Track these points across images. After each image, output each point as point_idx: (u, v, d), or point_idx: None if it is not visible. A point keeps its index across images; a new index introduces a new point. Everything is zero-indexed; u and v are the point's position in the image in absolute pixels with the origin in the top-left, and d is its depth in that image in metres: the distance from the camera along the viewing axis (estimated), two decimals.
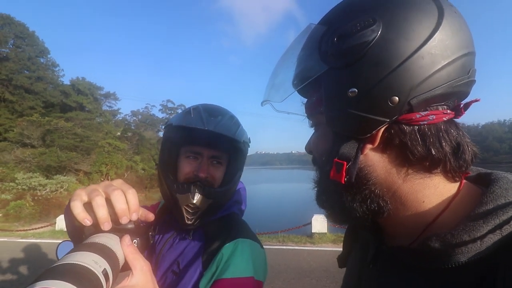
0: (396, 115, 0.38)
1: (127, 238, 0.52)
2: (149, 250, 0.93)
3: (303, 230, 7.48)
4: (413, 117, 0.38)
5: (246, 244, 0.81)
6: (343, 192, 0.44)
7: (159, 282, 0.83)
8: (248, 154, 0.97)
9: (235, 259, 0.76)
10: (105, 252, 0.46)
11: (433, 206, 0.41)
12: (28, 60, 28.18)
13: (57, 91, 29.21)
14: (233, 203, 0.94)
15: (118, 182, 0.56)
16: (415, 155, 0.40)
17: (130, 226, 0.54)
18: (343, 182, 0.42)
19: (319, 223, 7.34)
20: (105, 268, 0.43)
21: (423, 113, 0.38)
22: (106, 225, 0.50)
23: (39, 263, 5.45)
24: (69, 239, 0.62)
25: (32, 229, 8.61)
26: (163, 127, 0.94)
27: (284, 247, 6.39)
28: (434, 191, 0.41)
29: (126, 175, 23.65)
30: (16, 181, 15.81)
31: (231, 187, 0.89)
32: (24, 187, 15.61)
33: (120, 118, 38.91)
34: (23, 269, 5.16)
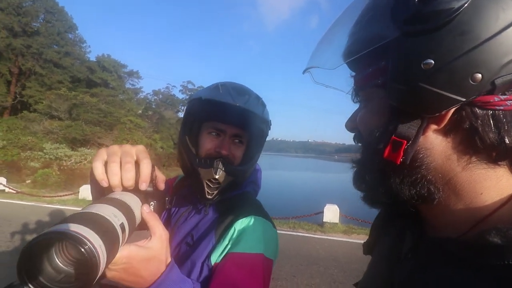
0: (475, 95, 0.34)
1: (145, 206, 0.57)
2: (165, 222, 0.96)
3: (315, 219, 7.49)
4: (491, 100, 0.34)
5: (258, 221, 0.81)
6: (391, 173, 0.40)
7: (173, 252, 0.86)
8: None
9: (247, 234, 0.78)
10: (124, 208, 0.49)
11: (492, 199, 0.37)
12: (57, 35, 29.07)
13: (84, 66, 30.13)
14: (249, 183, 0.96)
15: (139, 148, 0.60)
16: (485, 142, 0.35)
17: (149, 189, 0.58)
18: (397, 163, 0.39)
19: (331, 212, 7.32)
20: (122, 222, 0.46)
21: (502, 97, 0.34)
22: (117, 189, 0.55)
23: None
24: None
25: (57, 196, 9.17)
26: (188, 101, 0.95)
27: (294, 233, 6.46)
28: (495, 183, 0.37)
29: None
30: (44, 150, 16.77)
31: (250, 167, 0.90)
32: (51, 156, 16.54)
33: (142, 97, 39.75)
34: None
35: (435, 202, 0.39)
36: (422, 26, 0.34)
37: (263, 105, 0.90)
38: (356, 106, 0.49)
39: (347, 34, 0.43)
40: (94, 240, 0.37)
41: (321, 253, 5.27)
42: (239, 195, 0.91)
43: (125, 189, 0.55)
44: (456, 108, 0.35)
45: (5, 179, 10.04)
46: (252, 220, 0.81)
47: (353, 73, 0.47)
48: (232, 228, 0.79)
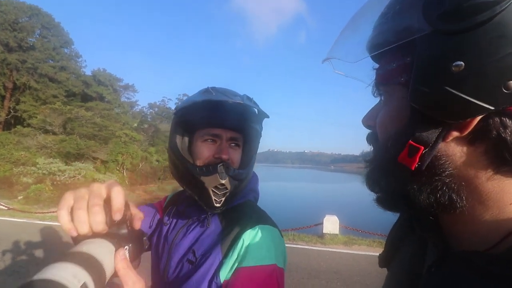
0: (506, 104, 0.31)
1: (121, 251, 0.50)
2: (162, 241, 0.91)
3: (314, 230, 7.38)
4: None
5: (267, 231, 0.78)
6: (408, 179, 0.37)
7: (174, 272, 0.81)
8: (260, 151, 0.95)
9: (257, 246, 0.74)
10: (90, 263, 0.43)
11: None
12: (53, 50, 29.17)
13: (79, 81, 30.14)
14: (249, 191, 0.92)
15: (109, 183, 0.54)
16: None
17: (123, 231, 0.53)
18: (412, 169, 0.36)
19: (331, 223, 7.22)
20: (84, 282, 0.40)
21: None
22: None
23: (54, 245, 5.66)
24: None
25: (50, 212, 8.92)
26: (176, 111, 0.88)
27: (294, 246, 6.33)
28: None
29: (140, 165, 24.19)
30: (37, 165, 16.49)
31: (250, 169, 0.87)
32: (44, 171, 16.25)
33: (138, 110, 39.57)
34: (39, 250, 5.36)
35: (458, 211, 0.37)
36: (457, 24, 0.31)
37: (256, 104, 0.87)
38: (375, 100, 0.46)
39: (371, 25, 0.40)
40: None
41: (322, 265, 5.16)
42: (241, 205, 0.87)
43: (96, 234, 0.50)
44: (483, 116, 0.33)
45: None
46: (261, 230, 0.77)
47: (376, 66, 0.44)
48: (241, 240, 0.75)
